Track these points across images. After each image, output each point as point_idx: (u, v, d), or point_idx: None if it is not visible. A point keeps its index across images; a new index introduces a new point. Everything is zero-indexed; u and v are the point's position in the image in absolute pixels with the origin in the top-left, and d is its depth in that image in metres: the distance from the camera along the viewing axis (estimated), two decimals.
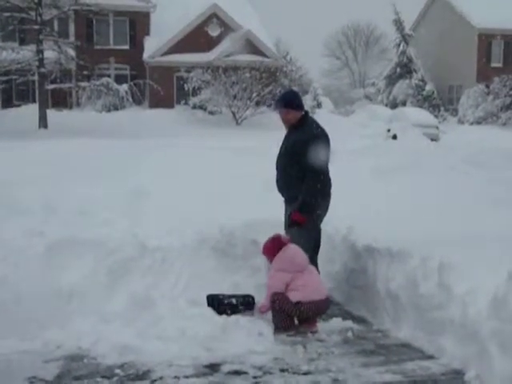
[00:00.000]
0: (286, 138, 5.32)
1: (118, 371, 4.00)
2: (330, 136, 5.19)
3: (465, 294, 4.14)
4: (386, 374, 3.98)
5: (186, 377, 3.92)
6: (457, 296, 4.20)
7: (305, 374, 3.99)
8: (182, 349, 4.28)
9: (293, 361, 4.19)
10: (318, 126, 5.21)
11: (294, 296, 4.74)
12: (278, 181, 5.29)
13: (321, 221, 5.23)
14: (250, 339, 4.48)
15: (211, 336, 4.45)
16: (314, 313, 4.80)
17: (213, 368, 4.06)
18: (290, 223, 5.08)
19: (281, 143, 5.40)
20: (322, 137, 5.08)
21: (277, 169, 5.31)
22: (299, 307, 4.72)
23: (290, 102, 5.25)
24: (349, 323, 4.94)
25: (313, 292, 4.77)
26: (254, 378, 3.93)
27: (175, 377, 3.91)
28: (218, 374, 3.97)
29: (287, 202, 5.30)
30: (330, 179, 5.18)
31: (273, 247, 4.98)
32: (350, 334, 4.72)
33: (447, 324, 4.23)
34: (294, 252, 4.91)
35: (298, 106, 5.23)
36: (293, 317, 4.77)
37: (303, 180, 4.98)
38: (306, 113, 5.29)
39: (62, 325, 4.54)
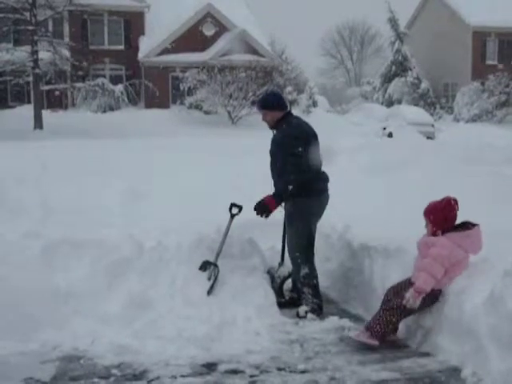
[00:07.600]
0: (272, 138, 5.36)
1: (114, 371, 3.99)
2: (318, 133, 5.19)
3: (461, 290, 4.15)
4: (382, 371, 3.99)
5: (183, 376, 3.92)
6: (453, 293, 4.21)
7: (302, 372, 3.99)
8: (179, 348, 4.28)
9: (290, 359, 4.19)
10: (298, 124, 5.17)
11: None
12: (275, 183, 5.26)
13: (315, 219, 5.23)
14: (247, 338, 4.48)
15: (208, 336, 4.46)
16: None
17: (210, 367, 4.06)
18: (258, 207, 5.01)
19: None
20: (296, 134, 5.02)
21: (271, 171, 5.33)
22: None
23: (267, 103, 5.29)
24: (345, 321, 4.93)
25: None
26: (251, 377, 3.93)
27: (172, 376, 3.91)
28: (214, 374, 3.97)
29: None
30: (318, 176, 5.15)
31: (439, 209, 4.41)
32: (346, 332, 4.72)
33: (444, 321, 4.24)
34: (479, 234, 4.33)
35: (276, 106, 5.24)
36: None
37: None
38: (288, 113, 5.27)
39: (59, 325, 4.54)
